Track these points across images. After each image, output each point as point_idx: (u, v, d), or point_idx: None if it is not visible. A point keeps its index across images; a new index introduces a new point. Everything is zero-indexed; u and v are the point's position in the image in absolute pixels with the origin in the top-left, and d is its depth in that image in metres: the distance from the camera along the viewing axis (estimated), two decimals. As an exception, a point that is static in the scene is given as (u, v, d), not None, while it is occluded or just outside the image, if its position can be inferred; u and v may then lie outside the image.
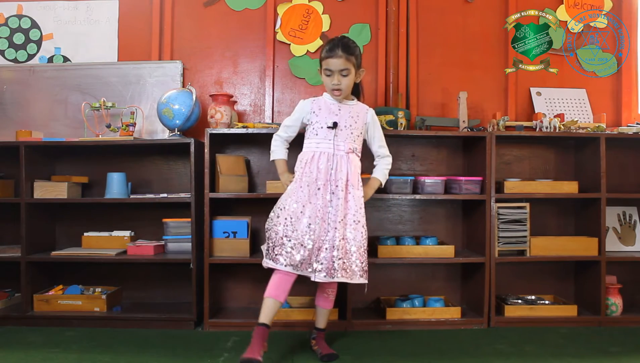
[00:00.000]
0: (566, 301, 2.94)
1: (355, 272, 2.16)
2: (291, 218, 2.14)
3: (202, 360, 2.27)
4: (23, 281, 2.74)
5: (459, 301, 3.04)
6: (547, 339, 2.58)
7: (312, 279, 2.13)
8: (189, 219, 2.76)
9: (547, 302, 2.94)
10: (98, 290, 2.92)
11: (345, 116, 2.26)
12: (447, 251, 2.79)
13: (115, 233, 2.93)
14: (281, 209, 2.19)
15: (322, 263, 2.11)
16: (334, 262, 2.12)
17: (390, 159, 2.41)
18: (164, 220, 2.89)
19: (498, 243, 2.79)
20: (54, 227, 3.04)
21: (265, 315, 2.13)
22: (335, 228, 2.14)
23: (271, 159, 2.37)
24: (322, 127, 2.24)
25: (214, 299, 2.83)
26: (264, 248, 2.25)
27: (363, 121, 2.31)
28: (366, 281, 2.19)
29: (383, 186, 2.41)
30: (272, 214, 2.24)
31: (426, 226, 3.07)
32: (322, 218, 2.14)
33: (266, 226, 2.25)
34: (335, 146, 2.22)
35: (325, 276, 2.11)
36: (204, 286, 2.70)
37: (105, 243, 2.90)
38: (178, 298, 2.98)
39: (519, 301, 2.92)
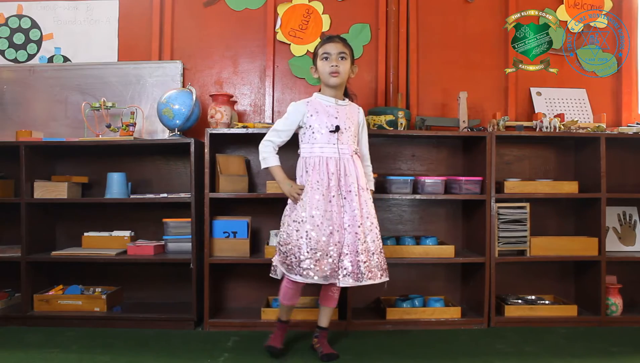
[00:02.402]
0: (566, 301, 2.94)
1: (377, 273, 2.20)
2: (313, 231, 2.12)
3: (202, 360, 2.27)
4: (23, 281, 2.74)
5: (459, 301, 3.04)
6: (547, 339, 2.58)
7: (338, 285, 2.16)
8: (189, 220, 2.76)
9: (547, 302, 2.94)
10: (98, 290, 2.92)
11: (343, 117, 2.25)
12: (447, 251, 2.79)
13: (115, 233, 2.92)
14: (300, 223, 2.14)
15: (346, 269, 2.14)
16: (360, 267, 2.14)
17: (370, 165, 2.43)
18: (164, 220, 2.89)
19: (498, 243, 2.79)
20: (54, 227, 3.04)
21: (286, 315, 2.35)
22: (356, 233, 2.15)
23: (264, 166, 2.27)
24: (322, 132, 2.22)
25: (214, 299, 2.83)
26: (277, 260, 2.22)
27: (357, 120, 2.33)
28: (387, 279, 2.24)
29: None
30: (288, 228, 2.18)
31: (426, 226, 3.07)
32: (339, 225, 2.16)
33: (280, 240, 2.21)
34: (340, 150, 2.21)
35: (352, 281, 2.14)
36: (204, 286, 2.70)
37: (105, 243, 2.90)
38: (178, 298, 2.98)
39: (519, 301, 2.92)
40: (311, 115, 2.24)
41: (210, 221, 2.71)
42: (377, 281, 2.20)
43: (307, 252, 2.11)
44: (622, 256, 2.94)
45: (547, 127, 2.87)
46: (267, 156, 2.27)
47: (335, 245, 2.14)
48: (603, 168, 2.79)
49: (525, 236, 2.82)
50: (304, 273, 2.11)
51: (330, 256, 2.13)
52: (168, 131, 2.89)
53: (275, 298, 2.88)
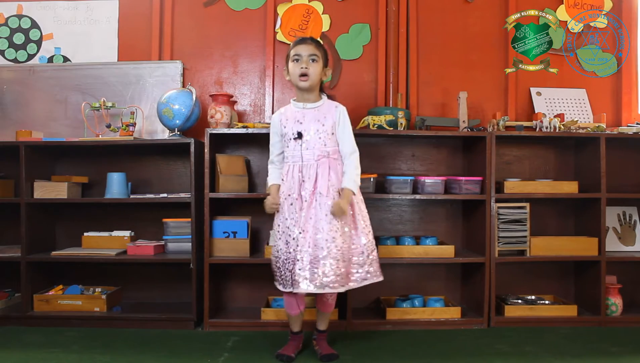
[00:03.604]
0: (566, 301, 2.94)
1: (324, 283, 2.08)
2: (280, 240, 2.20)
3: (202, 360, 2.27)
4: (23, 281, 2.74)
5: (459, 301, 3.04)
6: (547, 339, 2.58)
7: (300, 291, 2.13)
8: (189, 219, 2.75)
9: (547, 302, 2.94)
10: (98, 290, 2.92)
11: (310, 121, 2.22)
12: (447, 251, 2.79)
13: (115, 233, 2.92)
14: (277, 233, 2.24)
15: (305, 277, 2.10)
16: (315, 273, 2.09)
17: (356, 160, 2.24)
18: (164, 220, 2.89)
19: (498, 243, 2.79)
20: (54, 227, 3.04)
21: (296, 325, 2.34)
22: (305, 239, 2.12)
23: (267, 187, 2.37)
24: (290, 139, 2.24)
25: (214, 299, 2.83)
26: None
27: (332, 119, 2.24)
28: (336, 291, 2.13)
29: (356, 193, 2.24)
30: (275, 239, 2.28)
31: (426, 226, 3.07)
32: (299, 231, 2.15)
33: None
34: (303, 156, 2.21)
35: (313, 287, 2.09)
36: (204, 286, 2.70)
37: (105, 243, 2.90)
38: (178, 298, 2.98)
39: (519, 301, 2.92)
40: (283, 125, 2.27)
41: (210, 221, 2.71)
42: (325, 291, 2.10)
43: (284, 261, 2.17)
44: (622, 256, 2.94)
45: (547, 127, 2.87)
46: (269, 175, 2.36)
47: (296, 251, 2.12)
48: (603, 168, 2.79)
49: (525, 236, 2.82)
50: (281, 281, 2.20)
51: (293, 263, 2.12)
52: (168, 131, 2.89)
53: (274, 298, 2.88)
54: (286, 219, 2.20)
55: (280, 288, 2.21)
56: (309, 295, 2.37)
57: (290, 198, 2.20)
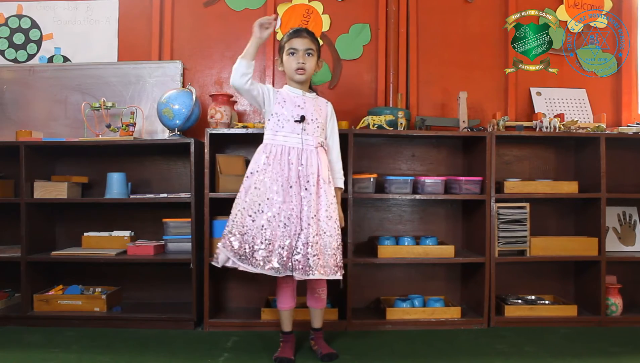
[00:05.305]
0: (566, 301, 2.94)
1: (331, 268, 2.14)
2: (269, 222, 2.12)
3: (202, 360, 2.27)
4: (23, 281, 2.74)
5: (459, 301, 3.04)
6: (547, 339, 2.58)
7: (294, 277, 2.13)
8: (189, 219, 2.75)
9: (547, 302, 2.94)
10: (98, 290, 2.92)
11: (310, 108, 2.25)
12: (447, 251, 2.79)
13: (115, 233, 2.92)
14: (256, 213, 2.14)
15: (298, 261, 2.10)
16: (309, 259, 2.09)
17: (340, 161, 2.37)
18: (164, 220, 2.89)
19: (498, 243, 2.79)
20: (54, 227, 3.04)
21: (288, 324, 2.32)
22: (309, 225, 2.12)
23: (242, 57, 2.21)
24: (288, 121, 2.22)
25: (214, 299, 2.83)
26: (224, 248, 2.15)
27: (325, 113, 2.31)
28: (340, 277, 2.18)
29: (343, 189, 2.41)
30: (243, 217, 2.15)
31: (426, 226, 3.07)
32: (297, 216, 2.14)
33: (233, 229, 2.15)
34: (304, 141, 2.20)
35: (301, 274, 2.10)
36: (204, 286, 2.70)
37: (105, 243, 2.90)
38: (178, 298, 2.98)
39: (519, 301, 2.92)
40: (279, 103, 2.24)
41: (210, 221, 2.71)
42: (329, 277, 2.13)
43: (261, 243, 2.10)
44: (622, 256, 2.94)
45: (547, 127, 2.87)
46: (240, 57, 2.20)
47: (291, 236, 2.11)
48: (603, 168, 2.79)
49: (525, 236, 2.82)
50: (256, 263, 2.10)
51: (284, 248, 2.10)
52: (168, 131, 2.89)
53: (274, 298, 2.88)
54: (283, 202, 2.13)
55: (250, 269, 2.11)
56: (300, 294, 2.37)
57: (289, 181, 2.16)
